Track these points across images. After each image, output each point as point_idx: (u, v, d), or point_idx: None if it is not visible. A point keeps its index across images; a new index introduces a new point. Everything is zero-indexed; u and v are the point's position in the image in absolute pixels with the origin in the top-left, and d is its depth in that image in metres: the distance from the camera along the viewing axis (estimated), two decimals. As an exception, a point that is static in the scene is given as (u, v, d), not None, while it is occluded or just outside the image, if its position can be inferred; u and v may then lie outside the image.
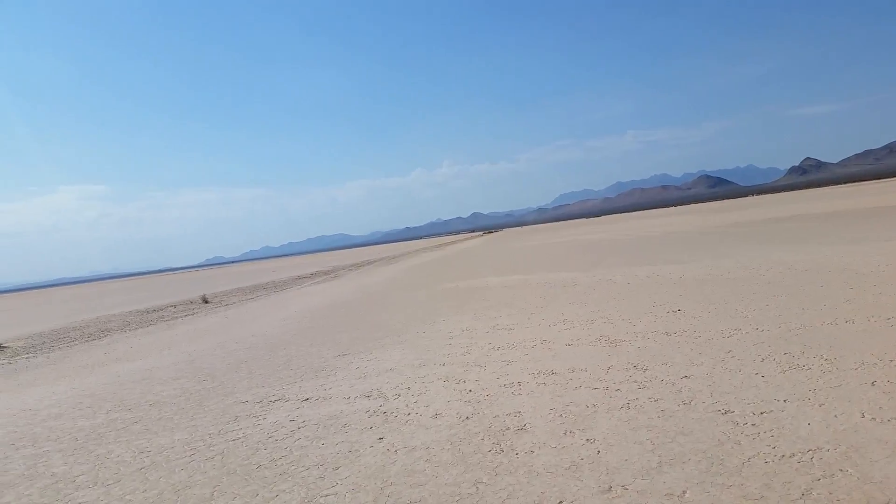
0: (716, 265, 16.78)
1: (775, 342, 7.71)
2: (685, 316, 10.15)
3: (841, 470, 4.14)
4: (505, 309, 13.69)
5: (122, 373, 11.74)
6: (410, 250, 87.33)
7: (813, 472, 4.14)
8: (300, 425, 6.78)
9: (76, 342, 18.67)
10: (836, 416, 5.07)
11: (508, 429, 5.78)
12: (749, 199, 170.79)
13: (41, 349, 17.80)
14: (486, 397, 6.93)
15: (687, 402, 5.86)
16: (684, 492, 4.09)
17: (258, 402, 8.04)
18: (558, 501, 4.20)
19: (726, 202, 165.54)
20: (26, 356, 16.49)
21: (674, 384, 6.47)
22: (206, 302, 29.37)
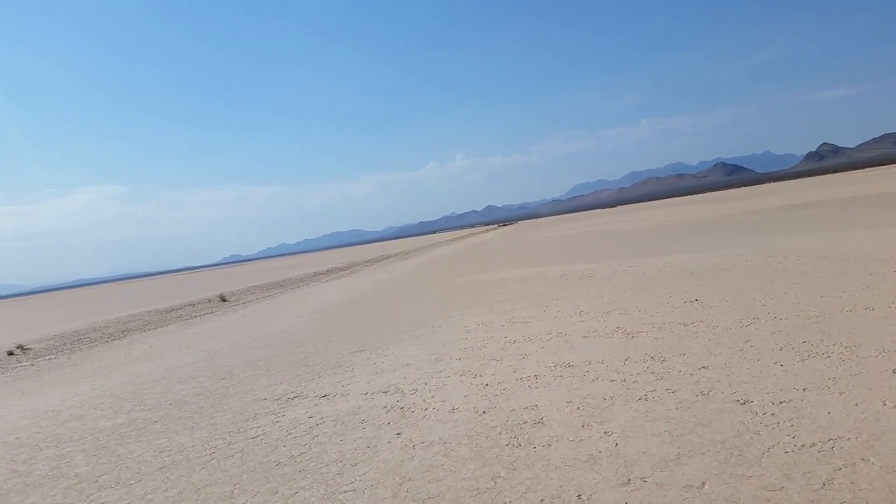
0: (732, 254, 16.65)
1: (794, 330, 7.65)
2: (702, 306, 10.09)
3: (863, 459, 4.10)
4: (520, 302, 13.68)
5: (141, 372, 11.87)
6: (425, 245, 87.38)
7: (834, 462, 4.11)
8: (318, 422, 6.82)
9: (96, 343, 18.89)
10: (856, 404, 5.02)
11: (526, 422, 5.79)
12: (766, 186, 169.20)
13: (62, 350, 18.03)
14: (503, 391, 6.93)
15: (705, 392, 5.83)
16: (703, 483, 4.07)
17: (277, 400, 8.10)
18: (577, 495, 4.19)
19: (743, 189, 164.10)
20: (48, 357, 16.72)
21: (692, 375, 6.44)
22: (224, 300, 29.59)
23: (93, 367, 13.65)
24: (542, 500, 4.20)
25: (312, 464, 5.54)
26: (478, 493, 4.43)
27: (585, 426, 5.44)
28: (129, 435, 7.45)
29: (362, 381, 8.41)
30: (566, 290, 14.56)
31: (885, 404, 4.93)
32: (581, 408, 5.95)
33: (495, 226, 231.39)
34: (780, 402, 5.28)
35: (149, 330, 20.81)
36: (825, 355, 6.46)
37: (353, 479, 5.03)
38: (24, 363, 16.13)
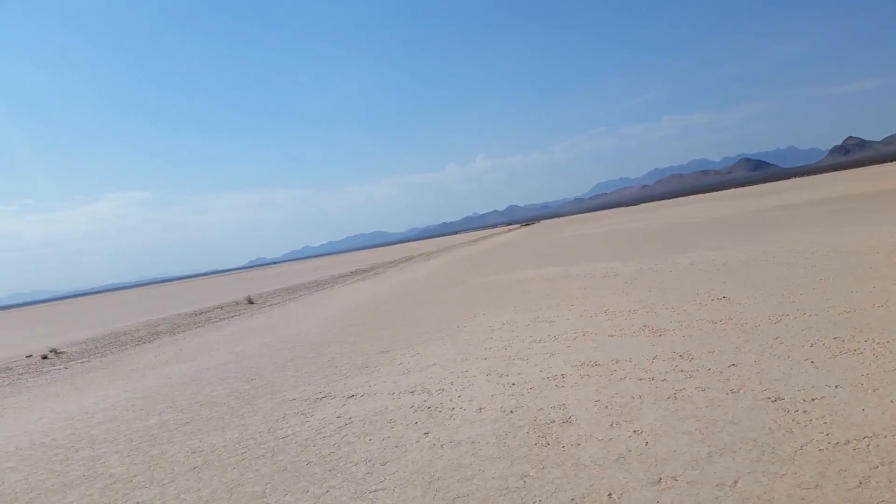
0: (760, 250, 16.43)
1: (824, 327, 7.54)
2: (730, 303, 9.98)
3: (899, 457, 4.04)
4: (545, 301, 13.64)
5: (172, 374, 12.04)
6: (447, 245, 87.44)
7: (870, 460, 4.05)
8: (347, 422, 6.88)
9: (128, 346, 19.20)
10: (892, 400, 4.95)
11: (553, 422, 5.78)
12: (791, 181, 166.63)
13: (95, 354, 18.36)
14: (530, 390, 6.92)
15: (735, 390, 5.77)
16: (735, 481, 4.04)
17: (305, 400, 8.17)
18: (607, 494, 4.18)
19: (768, 185, 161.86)
20: (81, 361, 17.04)
21: (721, 372, 6.38)
22: (252, 303, 29.89)
23: (124, 370, 13.88)
24: (573, 499, 4.20)
25: (342, 463, 5.59)
26: (507, 493, 4.44)
27: (614, 425, 5.42)
28: (161, 436, 7.57)
29: (389, 382, 8.46)
30: (591, 288, 14.49)
31: (921, 401, 4.85)
32: (609, 407, 5.93)
33: (517, 225, 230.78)
34: (813, 400, 5.22)
35: (178, 333, 21.10)
36: (857, 351, 6.37)
37: (383, 479, 5.06)
38: (57, 367, 16.46)
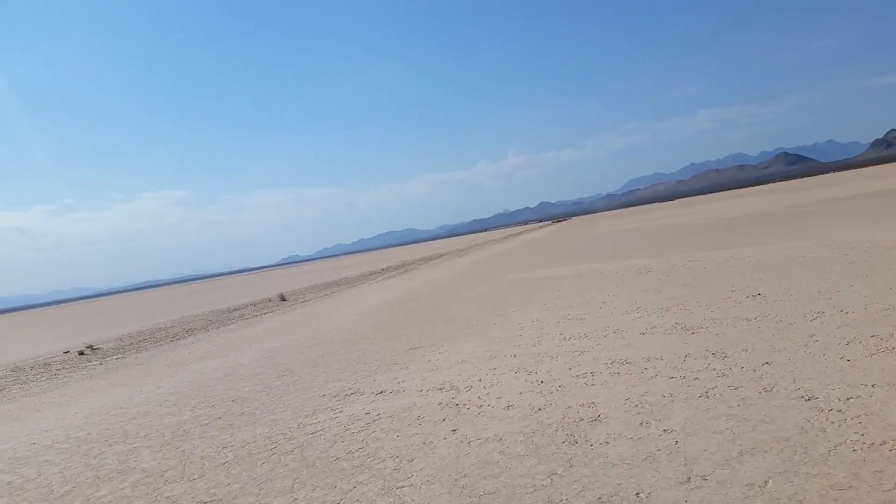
0: (797, 246, 16.09)
1: (861, 324, 7.36)
2: (766, 300, 9.79)
3: (938, 458, 3.93)
4: (575, 298, 13.54)
5: (205, 370, 12.24)
6: (478, 242, 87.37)
7: (907, 461, 3.95)
8: (375, 418, 6.92)
9: (162, 342, 19.58)
10: (931, 401, 4.81)
11: (582, 420, 5.73)
12: (830, 175, 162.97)
13: (130, 350, 18.76)
14: (559, 388, 6.88)
15: (768, 388, 5.66)
16: (766, 481, 3.96)
17: (335, 396, 8.24)
18: (635, 493, 4.14)
19: (806, 180, 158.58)
20: (116, 357, 17.42)
21: (754, 371, 6.27)
22: (284, 300, 30.24)
23: (158, 366, 14.15)
24: (600, 497, 4.16)
25: (370, 459, 5.62)
26: (534, 490, 4.42)
27: (644, 424, 5.35)
28: (192, 431, 7.70)
29: (418, 378, 8.48)
30: (622, 286, 14.35)
31: (962, 401, 4.71)
32: (639, 405, 5.86)
33: (549, 222, 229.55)
34: (847, 399, 5.09)
35: (212, 329, 21.45)
36: (895, 350, 6.21)
37: (410, 475, 5.08)
38: (93, 362, 16.85)
